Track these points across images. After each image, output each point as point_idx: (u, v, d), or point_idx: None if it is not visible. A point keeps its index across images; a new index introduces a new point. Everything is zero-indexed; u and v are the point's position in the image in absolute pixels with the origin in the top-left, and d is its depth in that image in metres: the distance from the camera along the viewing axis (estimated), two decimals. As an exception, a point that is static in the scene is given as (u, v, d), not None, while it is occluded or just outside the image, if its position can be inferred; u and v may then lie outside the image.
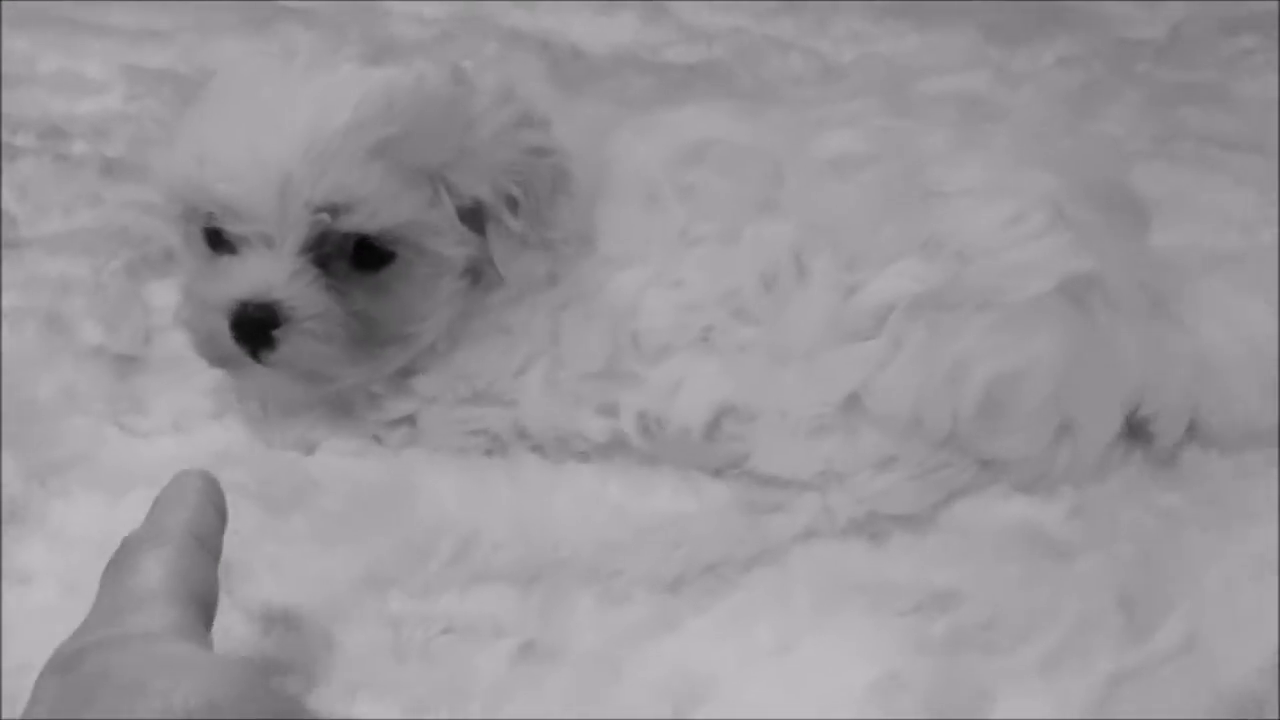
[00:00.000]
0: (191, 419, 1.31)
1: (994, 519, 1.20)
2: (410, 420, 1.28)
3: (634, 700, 1.02)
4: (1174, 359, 1.23)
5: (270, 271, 1.14)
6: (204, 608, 0.86)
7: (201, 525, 0.90)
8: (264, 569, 1.13)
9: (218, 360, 1.21)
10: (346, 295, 1.17)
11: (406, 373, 1.26)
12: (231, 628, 1.06)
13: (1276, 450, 1.24)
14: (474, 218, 1.20)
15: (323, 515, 1.20)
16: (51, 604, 1.09)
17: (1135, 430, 1.25)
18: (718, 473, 1.25)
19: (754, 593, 1.13)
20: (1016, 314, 1.18)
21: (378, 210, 1.14)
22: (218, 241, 1.18)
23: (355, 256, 1.16)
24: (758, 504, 1.21)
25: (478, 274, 1.24)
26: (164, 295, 1.45)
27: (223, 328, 1.16)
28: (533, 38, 1.97)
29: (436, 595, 1.12)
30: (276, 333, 1.15)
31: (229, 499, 1.15)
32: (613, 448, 1.26)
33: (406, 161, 1.15)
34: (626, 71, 1.90)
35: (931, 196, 1.22)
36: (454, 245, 1.19)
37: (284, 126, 1.12)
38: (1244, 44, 1.96)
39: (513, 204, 1.20)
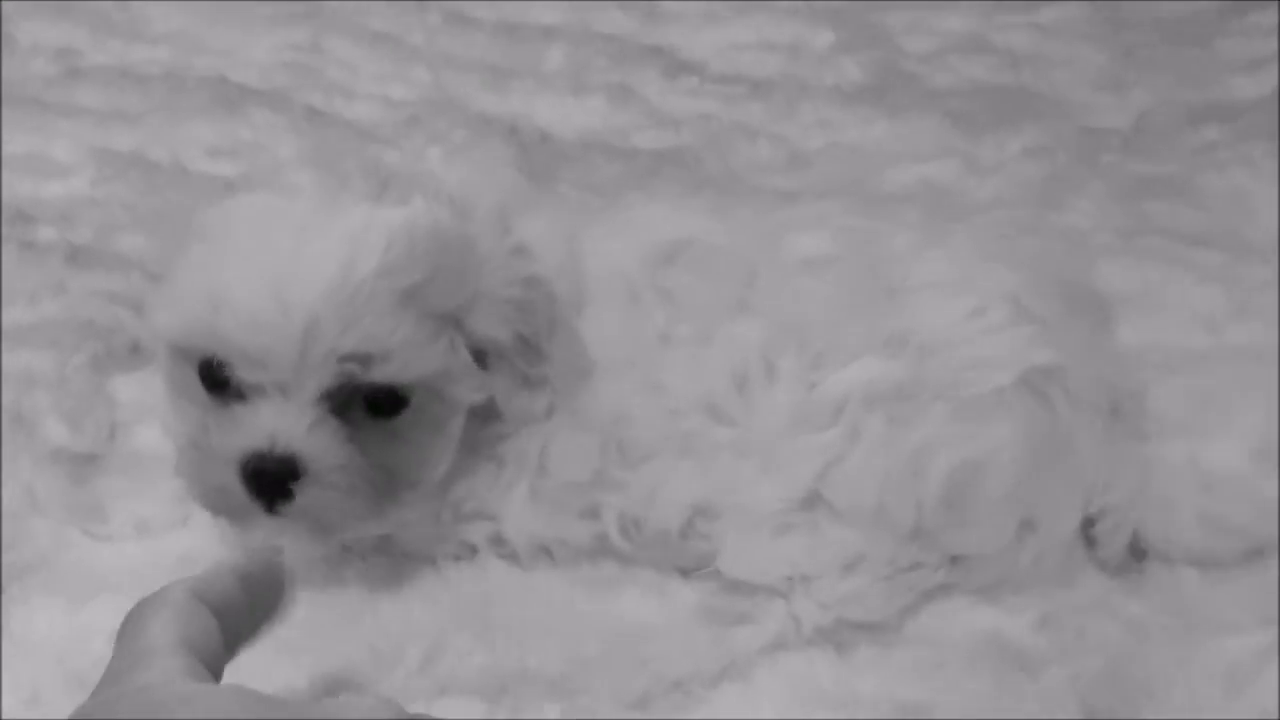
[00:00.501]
0: (155, 524, 1.30)
1: (961, 630, 1.19)
2: (388, 539, 1.27)
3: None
4: (1125, 465, 1.24)
5: (288, 421, 1.10)
6: (209, 660, 0.85)
7: (205, 588, 0.89)
8: (231, 672, 1.11)
9: (226, 512, 1.16)
10: (364, 444, 1.13)
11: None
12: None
13: (1239, 559, 1.24)
14: (481, 357, 1.18)
15: (285, 623, 1.18)
16: (13, 716, 1.08)
17: (1084, 527, 1.26)
18: (688, 575, 1.24)
19: (720, 709, 1.13)
20: (977, 405, 1.19)
21: (409, 361, 1.11)
22: (219, 386, 1.13)
23: (370, 404, 1.13)
24: (724, 614, 1.20)
25: (485, 411, 1.22)
26: (129, 390, 1.44)
27: (234, 480, 1.11)
28: (500, 122, 1.97)
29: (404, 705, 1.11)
30: (294, 485, 1.11)
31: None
32: (588, 552, 1.26)
33: (432, 307, 1.12)
34: (595, 157, 1.89)
35: (895, 293, 1.24)
36: (469, 388, 1.17)
37: (309, 271, 1.07)
38: (1208, 136, 1.97)
39: (521, 342, 1.19)
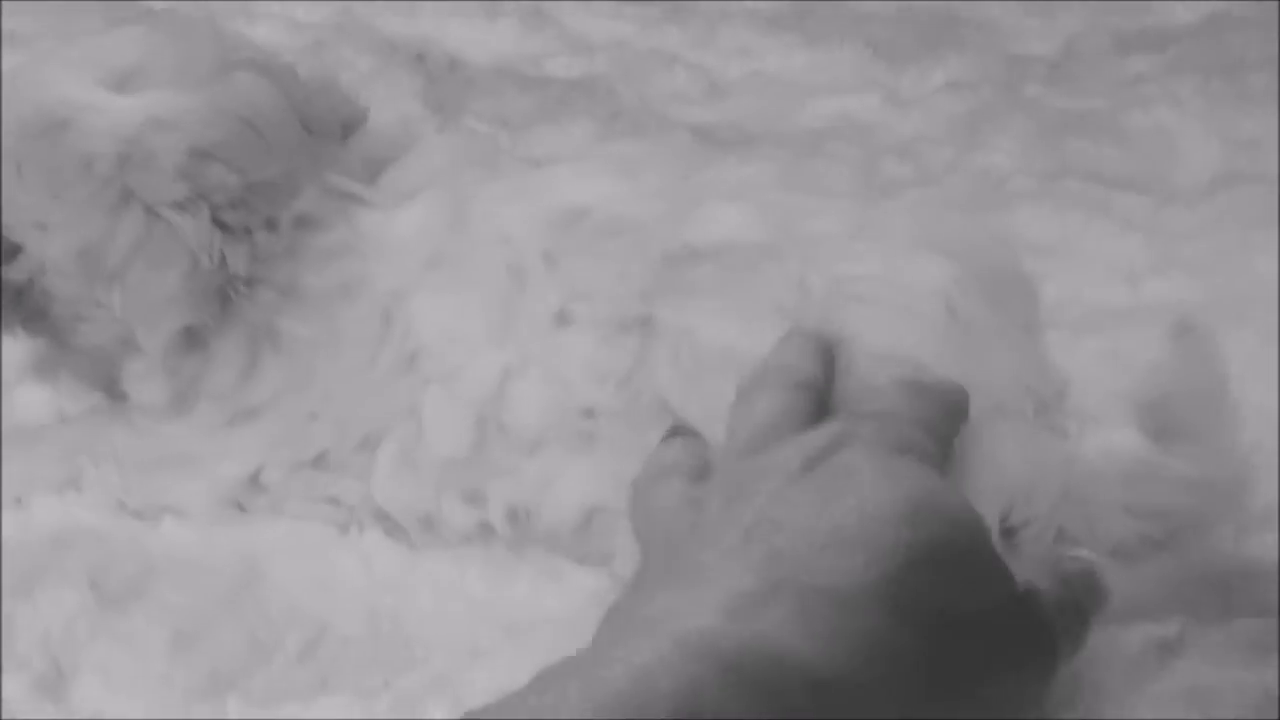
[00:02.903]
0: (35, 489, 1.26)
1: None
2: (258, 483, 1.25)
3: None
4: (1047, 471, 1.19)
5: None
6: None
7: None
8: (95, 672, 1.08)
9: None
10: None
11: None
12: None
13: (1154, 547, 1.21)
14: None
15: (163, 608, 1.14)
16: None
17: (1007, 537, 1.22)
18: (582, 561, 1.20)
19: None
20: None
21: None
22: None
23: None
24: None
25: None
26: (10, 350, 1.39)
27: None
28: (409, 47, 1.90)
29: (278, 704, 1.07)
30: None
31: (61, 592, 1.13)
32: (476, 536, 1.22)
33: (35, 180, 1.22)
34: (506, 87, 1.83)
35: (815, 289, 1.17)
36: (59, 275, 1.23)
37: None
38: (1136, 68, 1.92)
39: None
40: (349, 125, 1.31)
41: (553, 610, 1.17)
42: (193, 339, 1.24)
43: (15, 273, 1.24)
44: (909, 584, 0.80)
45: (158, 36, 1.31)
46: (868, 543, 0.81)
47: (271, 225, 1.23)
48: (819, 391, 1.02)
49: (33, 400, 1.35)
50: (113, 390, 1.31)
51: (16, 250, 1.24)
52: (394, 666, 1.10)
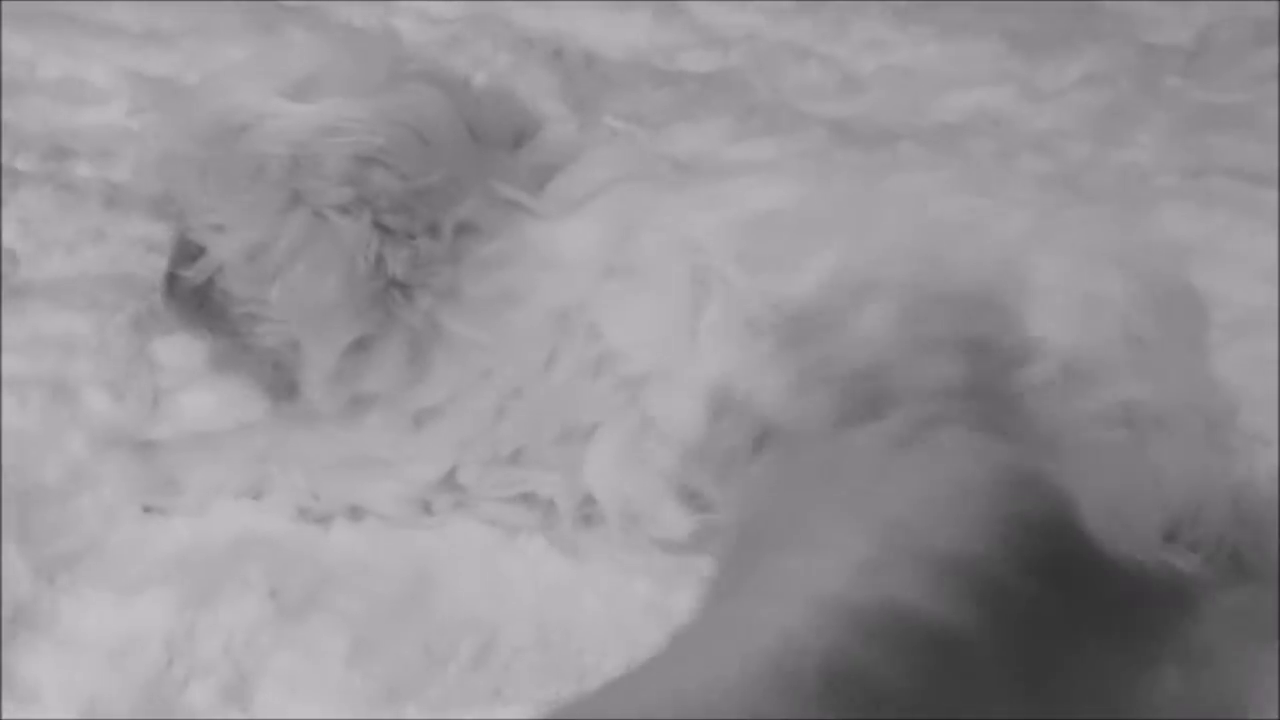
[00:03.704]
0: (219, 495, 1.29)
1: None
2: (452, 481, 1.28)
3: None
4: (1215, 491, 1.20)
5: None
6: None
7: None
8: (280, 683, 1.12)
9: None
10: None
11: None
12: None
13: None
14: None
15: (340, 618, 1.17)
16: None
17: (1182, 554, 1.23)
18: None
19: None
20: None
21: (180, 215, 1.34)
22: None
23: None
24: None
25: None
26: (171, 354, 1.43)
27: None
28: (545, 42, 1.92)
29: (455, 712, 1.10)
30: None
31: (242, 601, 1.16)
32: (678, 544, 1.25)
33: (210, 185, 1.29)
34: (642, 83, 1.85)
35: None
36: (235, 278, 1.30)
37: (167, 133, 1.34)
38: (1275, 58, 1.91)
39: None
40: (521, 135, 1.35)
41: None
42: (356, 341, 1.28)
43: (196, 273, 1.30)
44: (1018, 547, 0.85)
45: (333, 47, 1.36)
46: (977, 514, 0.87)
47: (434, 231, 1.27)
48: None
49: (201, 405, 1.39)
50: (283, 393, 1.36)
51: (199, 251, 1.30)
52: (564, 675, 1.13)
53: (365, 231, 1.24)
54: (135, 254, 1.53)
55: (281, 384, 1.36)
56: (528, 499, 1.28)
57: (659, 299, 1.24)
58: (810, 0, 2.08)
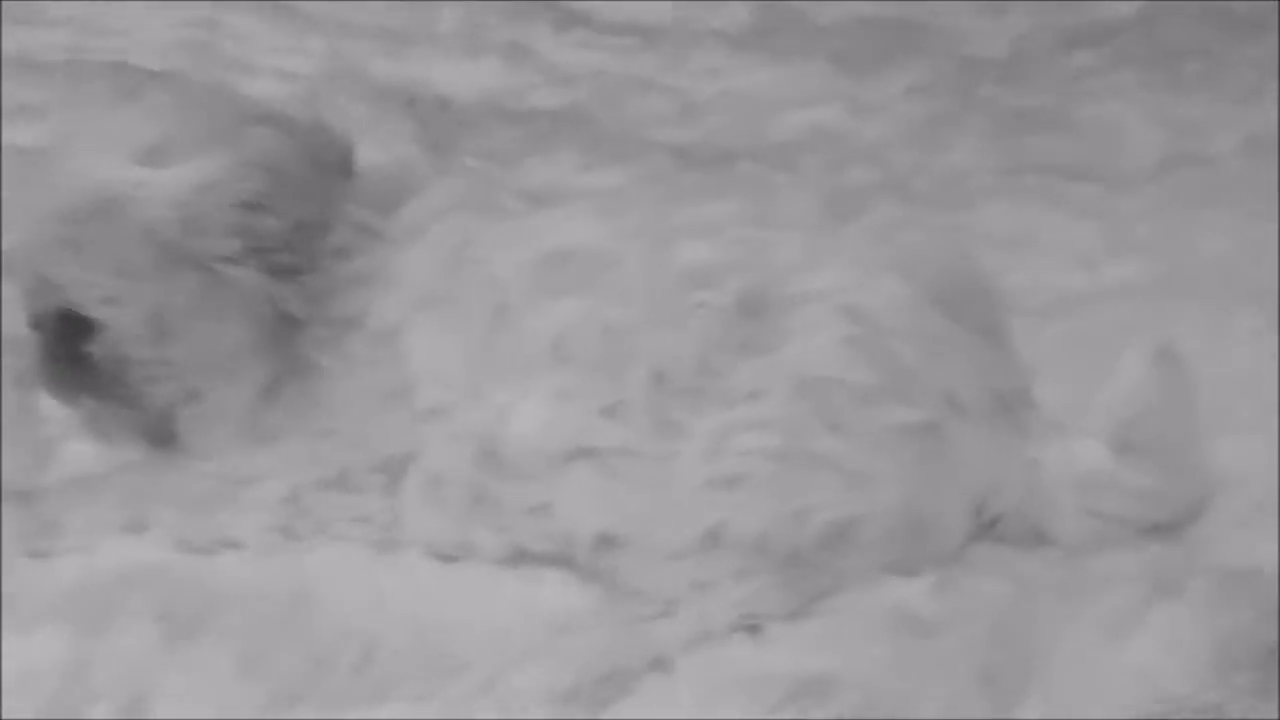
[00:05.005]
0: (102, 533, 1.36)
1: (863, 602, 1.26)
2: (299, 504, 1.35)
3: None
4: (1012, 469, 1.31)
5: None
6: None
7: None
8: (174, 700, 1.18)
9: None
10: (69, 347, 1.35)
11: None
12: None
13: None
14: None
15: (226, 635, 1.24)
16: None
17: (987, 527, 1.33)
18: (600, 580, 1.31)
19: (644, 697, 1.20)
20: (859, 464, 1.25)
21: (52, 291, 1.32)
22: None
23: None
24: (644, 611, 1.27)
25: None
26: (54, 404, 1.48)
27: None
28: (399, 92, 2.01)
29: (341, 711, 1.18)
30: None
31: (133, 627, 1.23)
32: (506, 558, 1.33)
33: (93, 258, 1.31)
34: (493, 123, 1.94)
35: (780, 311, 1.29)
36: (134, 341, 1.33)
37: (27, 206, 1.35)
38: (1082, 61, 2.04)
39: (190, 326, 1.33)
40: (344, 160, 1.41)
41: (580, 614, 1.28)
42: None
43: (98, 348, 1.34)
44: None
45: (171, 108, 1.42)
46: None
47: (314, 263, 1.34)
48: None
49: (83, 452, 1.44)
50: (163, 443, 1.41)
51: (95, 327, 1.33)
52: (442, 674, 1.21)
53: (258, 278, 1.31)
54: (13, 315, 1.57)
55: (163, 435, 1.40)
56: (365, 520, 1.35)
57: (459, 332, 1.32)
58: (651, 31, 2.17)
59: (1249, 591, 1.23)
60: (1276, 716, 1.13)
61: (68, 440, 1.46)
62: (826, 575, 1.27)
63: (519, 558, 1.33)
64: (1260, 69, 2.00)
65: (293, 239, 1.32)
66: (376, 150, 1.62)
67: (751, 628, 1.25)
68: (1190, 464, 1.33)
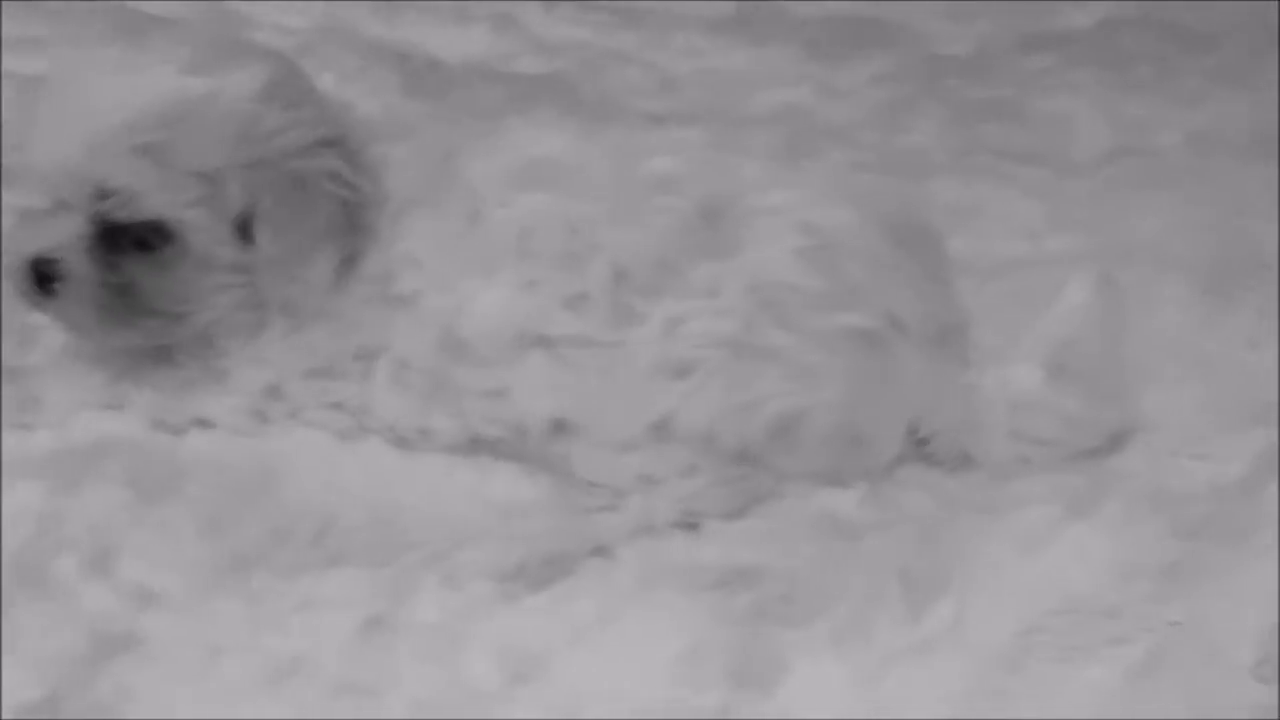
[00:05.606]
0: (81, 410, 1.43)
1: (796, 507, 1.35)
2: (279, 392, 1.43)
3: (471, 667, 1.16)
4: (948, 392, 1.39)
5: (55, 234, 1.35)
6: None
7: None
8: (136, 554, 1.26)
9: (22, 296, 1.39)
10: (119, 268, 1.36)
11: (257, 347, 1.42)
12: (107, 606, 1.20)
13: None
14: (245, 225, 1.37)
15: (192, 501, 1.33)
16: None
17: (919, 446, 1.41)
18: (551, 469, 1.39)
19: (584, 580, 1.27)
20: (806, 360, 1.33)
21: (130, 201, 1.32)
22: None
23: (134, 238, 1.35)
24: (588, 504, 1.35)
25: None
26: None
27: (24, 268, 1.36)
28: (391, 49, 2.09)
29: (295, 577, 1.25)
30: (56, 285, 1.35)
31: (104, 489, 1.30)
32: (461, 445, 1.41)
33: (174, 163, 1.32)
34: (478, 82, 2.03)
35: (739, 221, 1.36)
36: (219, 245, 1.36)
37: (77, 119, 1.32)
38: (1041, 63, 2.13)
39: (275, 223, 1.36)
40: None
41: (528, 504, 1.37)
42: None
43: (173, 253, 1.36)
44: None
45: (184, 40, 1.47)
46: None
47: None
48: None
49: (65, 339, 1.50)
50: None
51: (164, 237, 1.35)
52: (394, 549, 1.28)
53: (338, 165, 1.37)
54: (7, 220, 1.64)
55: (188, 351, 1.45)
56: (339, 407, 1.42)
57: (436, 226, 1.39)
58: (635, 7, 2.27)
59: (1155, 513, 1.31)
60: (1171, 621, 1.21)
61: (53, 329, 1.51)
62: (768, 476, 1.35)
63: (474, 446, 1.40)
64: (1208, 77, 2.09)
65: (346, 140, 1.39)
66: (367, 99, 1.70)
67: (689, 525, 1.33)
68: (1117, 395, 1.41)
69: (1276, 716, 1.13)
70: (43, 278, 1.35)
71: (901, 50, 2.18)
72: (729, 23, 2.25)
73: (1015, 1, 2.38)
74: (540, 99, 1.98)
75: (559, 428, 1.36)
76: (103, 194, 1.32)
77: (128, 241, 1.35)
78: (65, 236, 1.34)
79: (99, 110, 1.32)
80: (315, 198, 1.36)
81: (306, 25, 2.17)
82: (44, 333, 1.50)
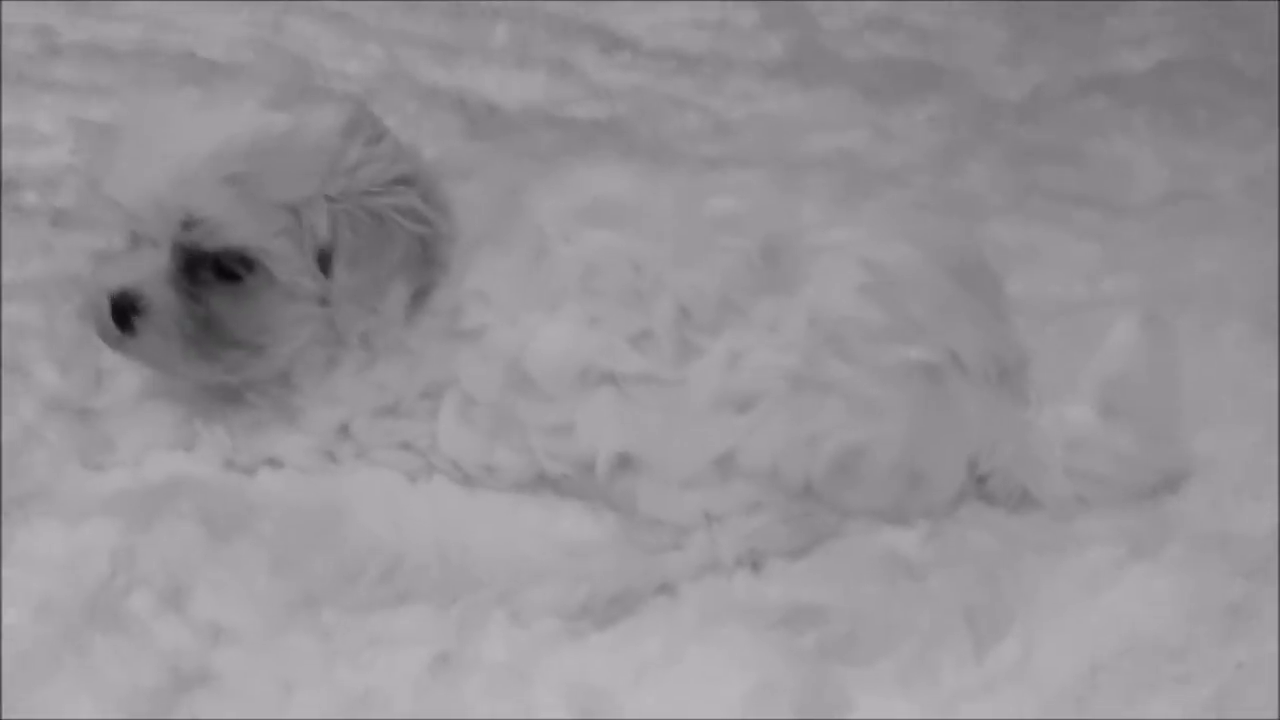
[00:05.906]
0: (153, 451, 1.46)
1: (859, 545, 1.37)
2: (348, 431, 1.45)
3: (539, 704, 1.17)
4: (1008, 430, 1.40)
5: (138, 269, 1.37)
6: None
7: None
8: (209, 590, 1.28)
9: (99, 333, 1.40)
10: (201, 300, 1.38)
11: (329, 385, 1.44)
12: (182, 642, 1.21)
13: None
14: (325, 257, 1.39)
15: (260, 540, 1.34)
16: (21, 624, 1.22)
17: (978, 483, 1.43)
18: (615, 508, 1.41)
19: (648, 617, 1.29)
20: (868, 393, 1.35)
21: (217, 230, 1.35)
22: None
23: (217, 269, 1.37)
24: (654, 543, 1.37)
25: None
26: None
27: (104, 306, 1.38)
28: (450, 94, 2.12)
29: (366, 613, 1.27)
30: (135, 319, 1.37)
31: (177, 527, 1.32)
32: (527, 482, 1.43)
33: (259, 194, 1.35)
34: (536, 126, 2.06)
35: (800, 259, 1.38)
36: (301, 275, 1.38)
37: (163, 153, 1.35)
38: (1095, 105, 2.14)
39: (355, 255, 1.38)
40: None
41: (594, 544, 1.38)
42: None
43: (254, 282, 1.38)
44: None
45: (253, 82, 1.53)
46: None
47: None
48: None
49: (137, 380, 1.52)
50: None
51: (248, 267, 1.37)
52: (462, 586, 1.30)
53: (415, 202, 1.39)
54: (79, 261, 1.68)
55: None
56: (407, 447, 1.44)
57: (503, 262, 1.41)
58: (690, 56, 2.29)
59: (1216, 556, 1.32)
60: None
61: (125, 370, 1.52)
62: (831, 514, 1.37)
63: (539, 484, 1.42)
64: (1265, 120, 2.09)
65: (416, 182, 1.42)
66: (429, 142, 1.73)
67: (755, 566, 1.34)
68: (1171, 434, 1.42)
69: (1341, 757, 1.15)
70: (123, 314, 1.37)
71: (956, 94, 2.19)
72: (783, 67, 2.27)
73: (1070, 44, 2.38)
74: (598, 143, 2.01)
75: (624, 464, 1.38)
76: (189, 223, 1.34)
77: (210, 273, 1.37)
78: (147, 271, 1.37)
79: (185, 144, 1.34)
80: (392, 232, 1.38)
81: (367, 72, 2.21)
82: (117, 375, 1.52)
